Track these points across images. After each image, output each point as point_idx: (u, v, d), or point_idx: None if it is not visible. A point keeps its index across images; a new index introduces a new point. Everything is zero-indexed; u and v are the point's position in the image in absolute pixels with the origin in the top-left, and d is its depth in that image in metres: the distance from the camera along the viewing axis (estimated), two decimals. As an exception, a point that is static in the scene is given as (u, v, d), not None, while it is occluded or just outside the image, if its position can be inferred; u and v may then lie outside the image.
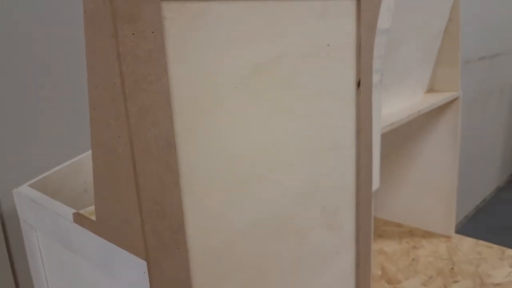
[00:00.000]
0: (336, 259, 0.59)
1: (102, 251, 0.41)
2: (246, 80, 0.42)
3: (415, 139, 1.01)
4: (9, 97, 0.64)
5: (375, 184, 0.65)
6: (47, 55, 0.68)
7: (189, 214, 0.38)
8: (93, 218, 0.41)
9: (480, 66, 2.21)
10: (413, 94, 0.89)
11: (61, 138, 0.71)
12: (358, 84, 0.56)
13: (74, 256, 0.47)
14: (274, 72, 0.44)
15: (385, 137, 1.05)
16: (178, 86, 0.35)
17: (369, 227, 0.64)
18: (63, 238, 0.47)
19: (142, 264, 0.36)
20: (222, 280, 0.43)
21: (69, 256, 0.48)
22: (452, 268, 0.91)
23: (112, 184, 0.36)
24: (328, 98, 0.52)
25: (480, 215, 2.36)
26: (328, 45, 0.51)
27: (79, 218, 0.43)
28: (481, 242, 1.01)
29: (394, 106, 0.82)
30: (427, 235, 1.05)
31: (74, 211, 0.45)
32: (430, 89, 0.96)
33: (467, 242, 1.01)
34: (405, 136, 1.03)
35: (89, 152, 0.63)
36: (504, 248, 0.97)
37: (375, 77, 0.60)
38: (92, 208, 0.58)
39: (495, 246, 0.98)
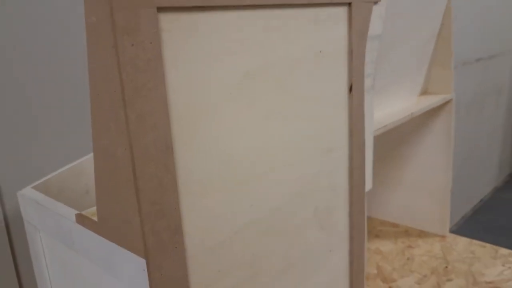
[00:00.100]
0: (330, 257, 0.61)
1: (103, 250, 0.43)
2: (240, 85, 0.43)
3: (410, 141, 1.03)
4: (12, 102, 0.66)
5: (368, 184, 0.67)
6: (50, 60, 0.69)
7: (186, 214, 0.40)
8: (95, 218, 0.43)
9: (477, 68, 2.23)
10: (407, 97, 0.91)
11: (63, 141, 0.73)
12: (350, 89, 0.58)
13: (76, 256, 0.49)
14: (267, 77, 0.46)
15: (380, 139, 1.07)
16: (175, 93, 0.37)
17: (363, 226, 0.66)
18: (66, 239, 0.49)
19: (142, 262, 0.37)
20: (219, 278, 0.44)
21: (72, 256, 0.50)
22: (446, 267, 0.93)
23: (113, 186, 0.38)
24: (321, 102, 0.54)
25: (478, 215, 2.38)
26: (320, 51, 0.53)
27: (81, 219, 0.45)
28: (474, 241, 1.03)
29: (388, 108, 0.84)
30: (423, 234, 1.07)
31: (76, 212, 0.46)
32: (424, 92, 0.98)
33: (461, 242, 1.03)
34: (401, 138, 1.05)
35: (91, 155, 0.65)
36: (497, 247, 0.99)
37: (367, 82, 0.62)
38: (93, 209, 0.60)
39: (488, 245, 1.00)
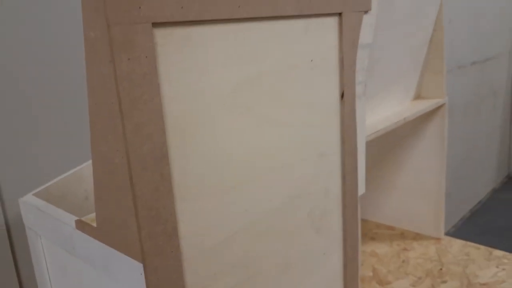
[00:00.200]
0: (324, 260, 0.63)
1: (102, 255, 0.44)
2: (233, 94, 0.45)
3: (405, 145, 1.05)
4: (14, 109, 0.68)
5: (361, 189, 0.69)
6: (52, 67, 0.71)
7: (182, 219, 0.42)
8: (94, 224, 0.44)
9: (473, 71, 2.25)
10: (400, 102, 0.93)
11: (64, 147, 0.74)
12: (342, 96, 0.60)
13: (76, 260, 0.51)
14: (259, 86, 0.48)
15: (376, 143, 1.09)
16: (170, 103, 0.39)
17: (356, 229, 0.68)
18: (66, 244, 0.51)
19: (139, 266, 0.39)
20: (215, 280, 0.46)
21: (72, 260, 0.52)
22: (441, 269, 0.94)
23: (111, 193, 0.40)
24: (313, 109, 0.56)
25: (476, 217, 2.40)
26: (311, 60, 0.54)
27: (81, 225, 0.46)
28: (469, 243, 1.04)
29: (381, 113, 0.86)
30: (418, 237, 1.08)
31: (76, 218, 0.48)
32: (418, 96, 1.00)
33: (456, 244, 1.04)
34: (396, 142, 1.06)
35: (90, 162, 0.67)
36: (491, 249, 1.01)
37: (359, 89, 0.63)
38: (93, 215, 0.61)
39: (483, 247, 1.01)
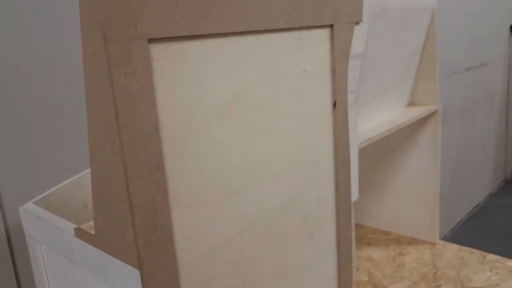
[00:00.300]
0: (318, 265, 0.64)
1: (100, 261, 0.46)
2: (227, 106, 0.47)
3: (400, 151, 1.07)
4: (15, 117, 0.70)
5: (354, 195, 0.70)
6: (53, 73, 0.73)
7: (177, 227, 0.43)
8: (92, 232, 0.46)
9: (468, 76, 2.27)
10: (394, 109, 0.94)
11: (62, 156, 0.76)
12: (334, 105, 0.62)
13: (75, 267, 0.52)
14: (252, 97, 0.50)
15: (371, 149, 1.10)
16: (166, 116, 0.41)
17: (350, 235, 0.69)
18: (65, 251, 0.52)
19: (136, 273, 0.40)
20: (210, 286, 0.47)
21: (71, 267, 0.53)
22: (435, 273, 0.96)
23: (109, 202, 0.41)
24: (306, 118, 0.58)
25: (473, 221, 2.41)
26: (304, 71, 0.56)
27: (80, 233, 0.48)
28: (464, 247, 1.05)
29: (375, 120, 0.88)
30: (413, 242, 1.09)
31: (75, 226, 0.49)
32: (411, 103, 1.02)
33: (451, 248, 1.06)
34: (390, 148, 1.08)
35: (89, 170, 0.68)
36: (485, 253, 1.02)
37: (351, 98, 0.65)
38: (91, 223, 0.62)
39: (477, 252, 1.03)
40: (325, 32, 0.58)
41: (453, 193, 2.24)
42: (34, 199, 0.61)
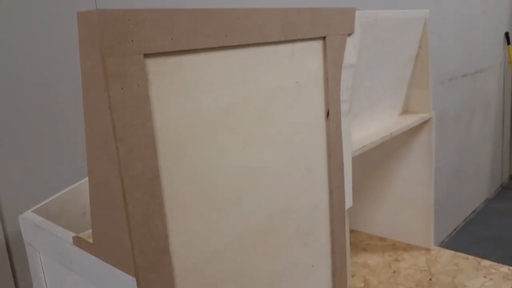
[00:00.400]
0: (313, 272, 0.65)
1: (98, 269, 0.47)
2: (222, 117, 0.48)
3: (395, 158, 1.08)
4: (14, 124, 0.71)
5: (348, 202, 0.71)
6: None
7: (173, 236, 0.44)
8: (90, 240, 0.47)
9: (464, 83, 2.29)
10: (388, 117, 0.96)
11: (62, 165, 0.77)
12: (327, 114, 0.63)
13: (73, 275, 0.53)
14: (247, 108, 0.51)
15: (366, 156, 1.12)
16: (162, 127, 0.42)
17: (344, 242, 0.70)
18: (64, 259, 0.53)
19: (132, 281, 0.41)
20: (204, 293, 0.48)
21: (69, 275, 0.54)
22: (430, 279, 0.97)
23: (106, 212, 0.42)
24: (299, 128, 0.59)
25: (470, 227, 2.42)
26: (297, 82, 0.57)
27: (78, 241, 0.49)
28: (458, 253, 1.06)
29: (369, 128, 0.89)
30: (409, 248, 1.10)
31: (74, 234, 0.50)
32: (405, 111, 1.03)
33: (446, 254, 1.07)
34: (386, 155, 1.09)
35: (87, 178, 0.69)
36: (479, 259, 1.03)
37: (344, 107, 0.66)
38: (89, 231, 0.63)
39: (471, 257, 1.04)
40: (318, 44, 0.60)
41: (450, 199, 2.25)
42: (33, 208, 0.62)
